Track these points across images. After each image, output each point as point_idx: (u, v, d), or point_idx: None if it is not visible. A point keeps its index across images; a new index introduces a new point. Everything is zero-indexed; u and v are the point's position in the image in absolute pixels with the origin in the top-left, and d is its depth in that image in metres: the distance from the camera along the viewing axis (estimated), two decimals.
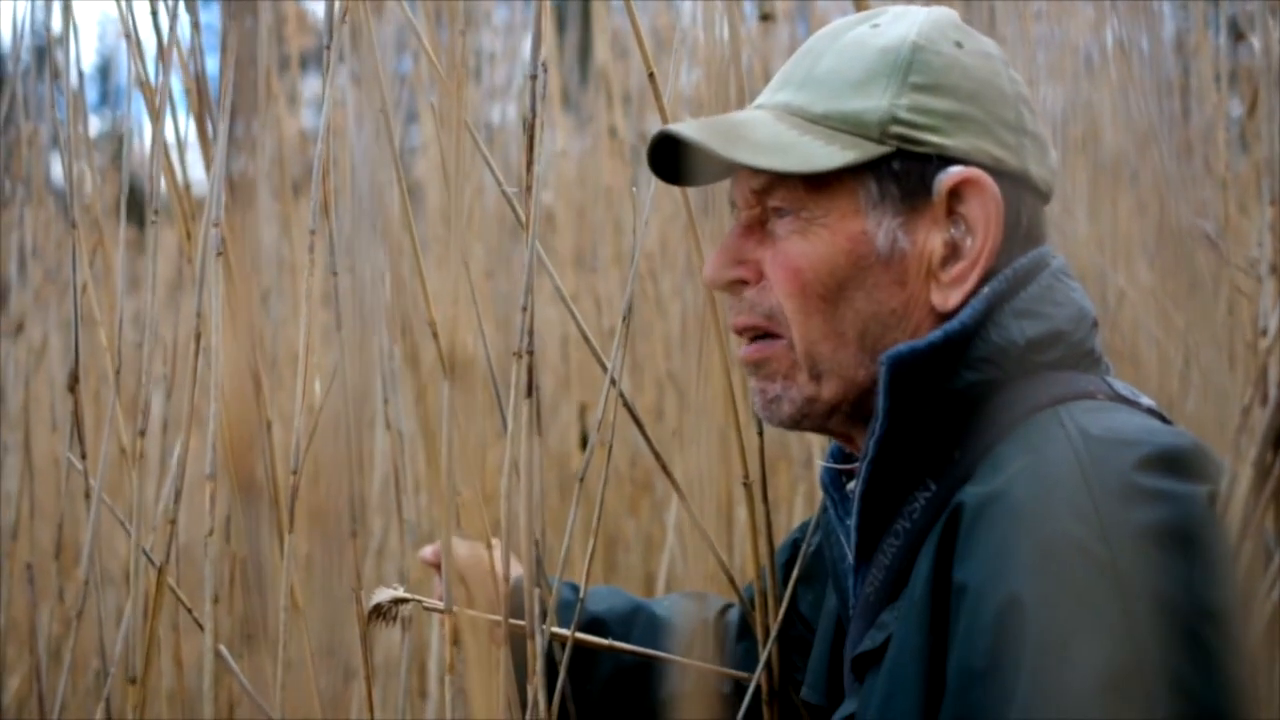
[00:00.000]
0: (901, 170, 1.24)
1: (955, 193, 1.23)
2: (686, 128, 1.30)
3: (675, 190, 1.50)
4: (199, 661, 1.51)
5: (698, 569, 2.39)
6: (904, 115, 1.24)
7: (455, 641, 1.33)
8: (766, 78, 1.57)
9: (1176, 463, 1.06)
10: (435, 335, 1.29)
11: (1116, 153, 2.51)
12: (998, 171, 1.24)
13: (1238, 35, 2.71)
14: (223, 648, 1.51)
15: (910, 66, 1.25)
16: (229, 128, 1.19)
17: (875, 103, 1.24)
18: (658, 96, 1.49)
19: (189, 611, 1.59)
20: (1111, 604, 0.99)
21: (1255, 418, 1.00)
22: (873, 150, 1.24)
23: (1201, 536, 1.01)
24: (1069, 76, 2.57)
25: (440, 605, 1.35)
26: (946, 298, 1.23)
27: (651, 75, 1.49)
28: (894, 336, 1.24)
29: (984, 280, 1.23)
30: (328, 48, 1.44)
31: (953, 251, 1.24)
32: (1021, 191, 1.27)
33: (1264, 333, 1.03)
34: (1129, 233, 2.53)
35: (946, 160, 1.24)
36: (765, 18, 2.64)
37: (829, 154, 1.24)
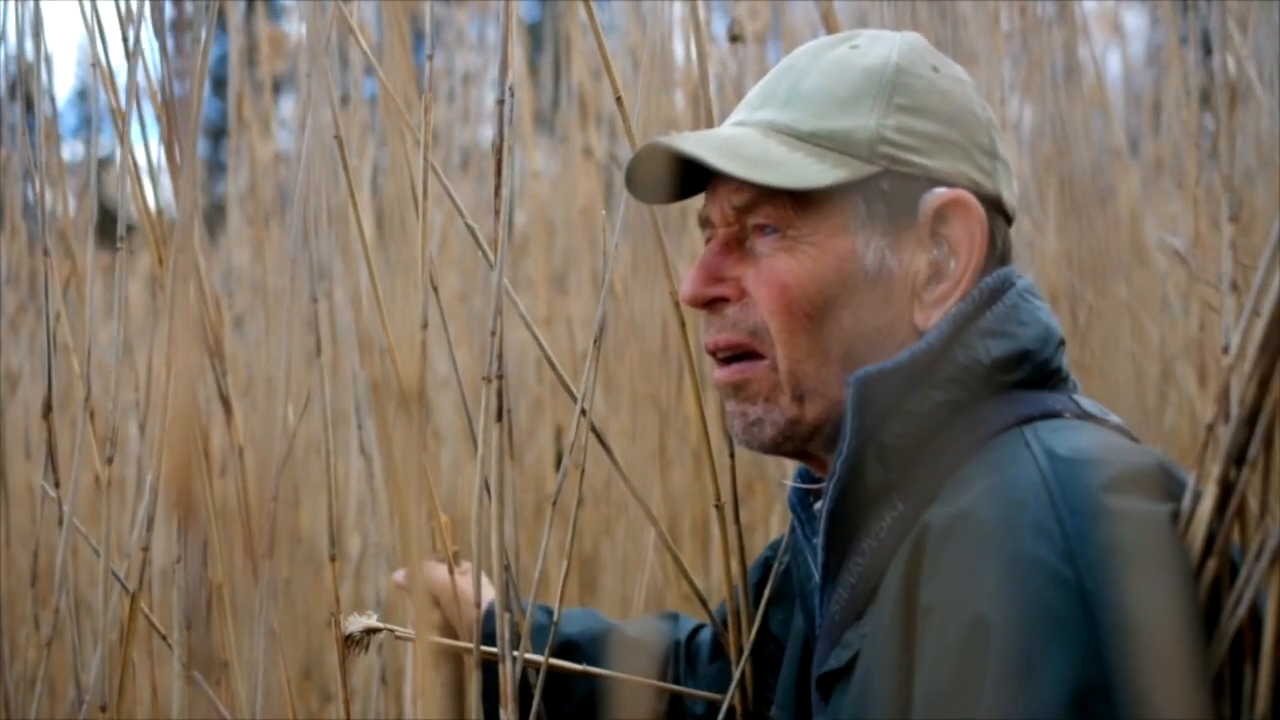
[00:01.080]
0: (889, 190, 1.25)
1: (940, 214, 1.24)
2: (680, 141, 1.30)
3: (646, 211, 1.50)
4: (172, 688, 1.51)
5: (674, 590, 2.39)
6: (891, 135, 1.24)
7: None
8: (737, 98, 1.58)
9: (1142, 482, 1.06)
10: (393, 360, 1.29)
11: (1089, 168, 2.52)
12: (977, 195, 1.25)
13: (1209, 51, 2.73)
14: (196, 674, 1.51)
15: (895, 87, 1.26)
16: (193, 153, 1.19)
17: (863, 122, 1.25)
18: (625, 120, 1.49)
19: (163, 638, 1.58)
20: (1077, 623, 0.99)
21: (1219, 434, 1.00)
22: (862, 169, 1.24)
23: (1169, 555, 1.01)
24: (1039, 93, 2.58)
25: (413, 635, 1.35)
26: (929, 317, 1.24)
27: (619, 99, 1.49)
28: (877, 356, 1.24)
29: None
30: (308, 75, 1.44)
31: (936, 272, 1.25)
32: (996, 215, 1.28)
33: (1226, 349, 1.04)
34: (1099, 249, 2.53)
35: (931, 182, 1.25)
36: (735, 39, 2.64)
37: (820, 171, 1.25)
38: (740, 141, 1.29)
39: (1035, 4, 2.55)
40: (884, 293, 1.25)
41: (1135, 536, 1.02)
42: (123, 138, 1.61)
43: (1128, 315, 2.35)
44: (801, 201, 1.26)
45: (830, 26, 1.71)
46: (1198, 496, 1.02)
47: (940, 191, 1.24)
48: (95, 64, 1.65)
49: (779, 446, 1.30)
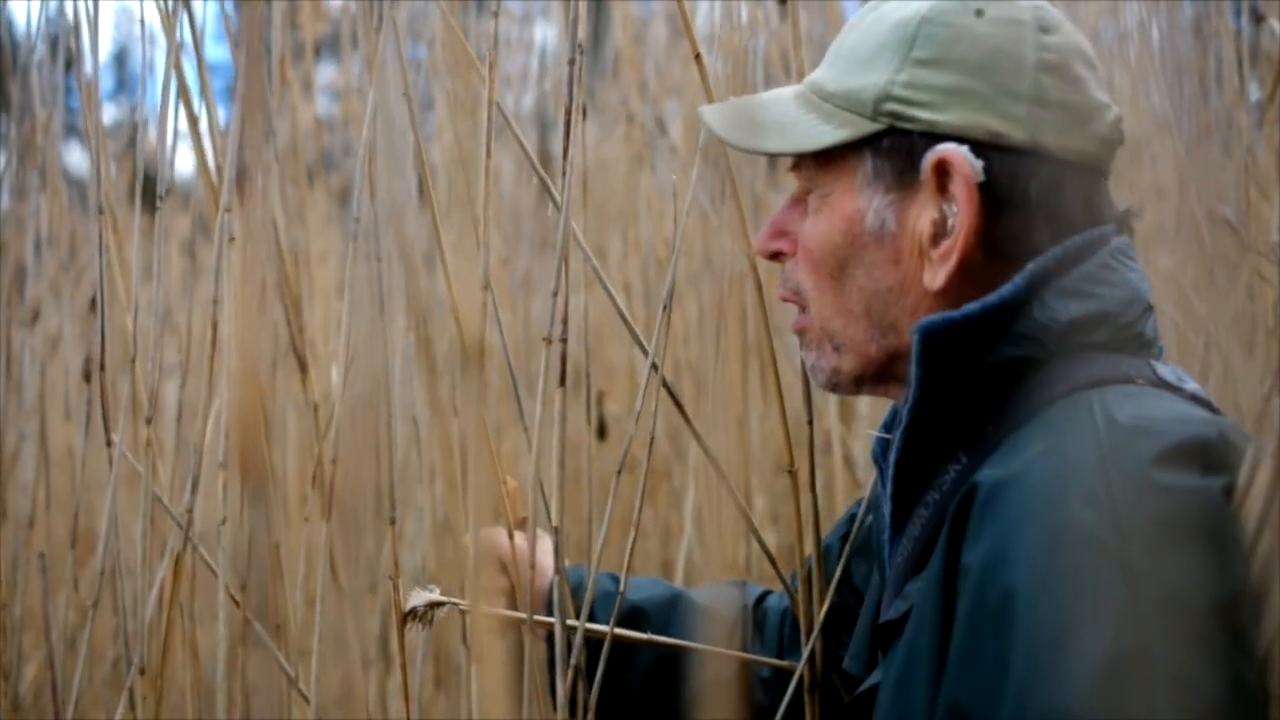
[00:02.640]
0: (890, 148, 1.23)
1: (943, 170, 1.21)
2: (709, 111, 1.34)
3: (692, 180, 1.50)
4: (215, 651, 1.50)
5: (716, 557, 2.39)
6: (899, 92, 1.22)
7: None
8: (784, 62, 1.57)
9: (1199, 454, 1.04)
10: (457, 320, 1.29)
11: (1135, 137, 2.50)
12: (998, 146, 1.20)
13: (1258, 18, 2.70)
14: (259, 626, 1.50)
15: (915, 41, 1.23)
16: (240, 115, 1.19)
17: (874, 79, 1.24)
18: (704, 77, 1.47)
19: (228, 594, 1.57)
20: (1117, 593, 0.97)
21: (1274, 406, 0.99)
22: (865, 127, 1.24)
23: (1216, 530, 1.00)
24: None
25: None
26: (936, 276, 1.21)
27: (698, 56, 1.48)
28: (896, 313, 1.25)
29: (967, 258, 1.20)
30: (377, 29, 1.44)
31: (944, 229, 1.22)
32: (1034, 165, 1.21)
33: None
34: (1148, 218, 2.51)
35: (939, 137, 1.21)
36: (783, 1, 2.62)
37: (822, 132, 1.25)
38: (763, 107, 1.31)
39: None
40: (891, 252, 1.24)
41: (1183, 509, 1.01)
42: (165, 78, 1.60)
43: (1173, 286, 2.33)
44: (823, 162, 1.27)
45: None
46: (1253, 469, 1.00)
47: (938, 148, 1.20)
48: (142, 20, 1.64)
49: (835, 389, 1.33)
